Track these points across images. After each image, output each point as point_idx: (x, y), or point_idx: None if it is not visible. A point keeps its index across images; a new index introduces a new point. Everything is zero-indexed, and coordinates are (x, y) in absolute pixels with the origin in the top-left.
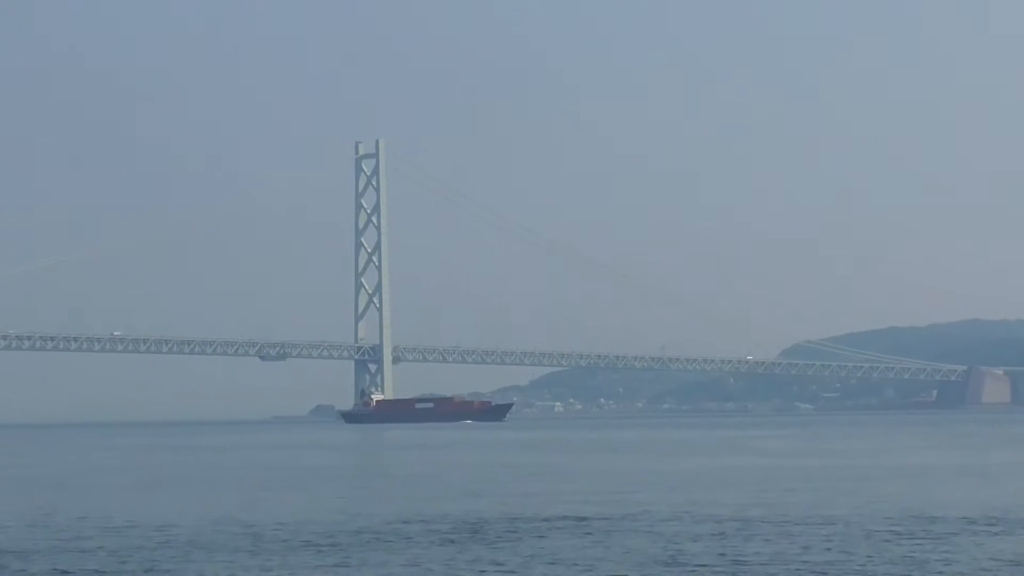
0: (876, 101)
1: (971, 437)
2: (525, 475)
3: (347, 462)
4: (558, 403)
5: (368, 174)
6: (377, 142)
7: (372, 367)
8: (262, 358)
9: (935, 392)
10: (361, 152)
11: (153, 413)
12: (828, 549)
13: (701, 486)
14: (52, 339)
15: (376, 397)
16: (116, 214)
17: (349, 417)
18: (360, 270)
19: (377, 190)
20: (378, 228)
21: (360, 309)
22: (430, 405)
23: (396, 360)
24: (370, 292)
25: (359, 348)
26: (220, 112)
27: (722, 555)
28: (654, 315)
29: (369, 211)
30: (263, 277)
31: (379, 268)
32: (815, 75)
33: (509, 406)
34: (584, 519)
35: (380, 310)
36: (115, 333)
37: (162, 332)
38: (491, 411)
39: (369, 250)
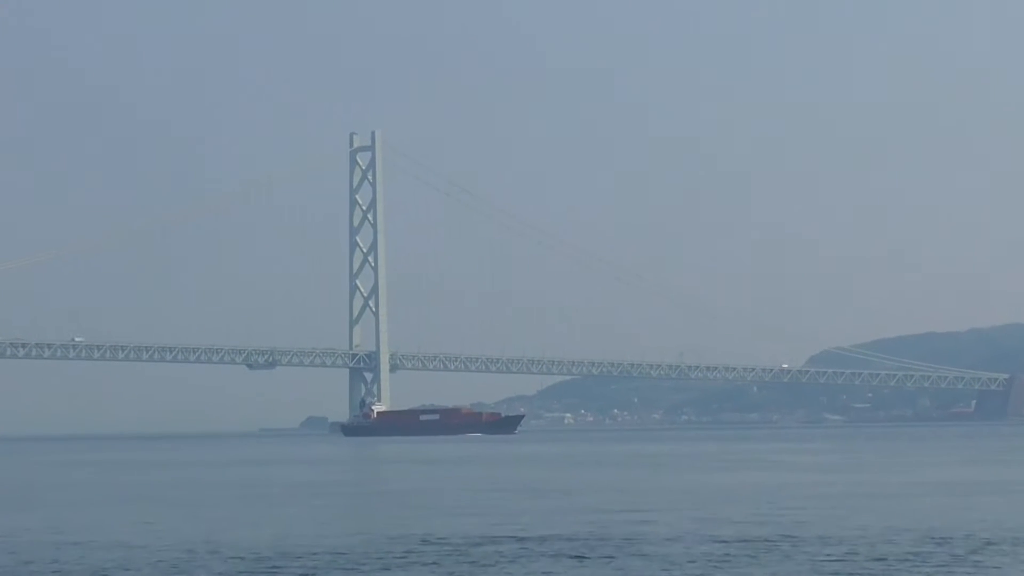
0: (903, 102)
1: (1014, 452)
2: (534, 493)
3: (334, 479)
4: (568, 414)
5: (364, 168)
6: (373, 134)
7: (368, 376)
8: (249, 366)
9: (974, 402)
10: (356, 144)
11: (130, 426)
12: (836, 574)
13: (712, 503)
14: (15, 346)
15: (377, 408)
16: (85, 211)
17: (348, 430)
18: (355, 271)
19: (373, 185)
20: (374, 226)
21: (355, 313)
22: (435, 417)
23: (394, 368)
24: (366, 295)
25: (354, 355)
26: (200, 99)
27: None
28: (671, 319)
29: (364, 208)
30: (250, 278)
31: (375, 269)
32: (837, 80)
33: (520, 418)
34: (588, 540)
35: (376, 314)
36: (76, 339)
37: (141, 338)
38: (501, 423)
39: (365, 250)
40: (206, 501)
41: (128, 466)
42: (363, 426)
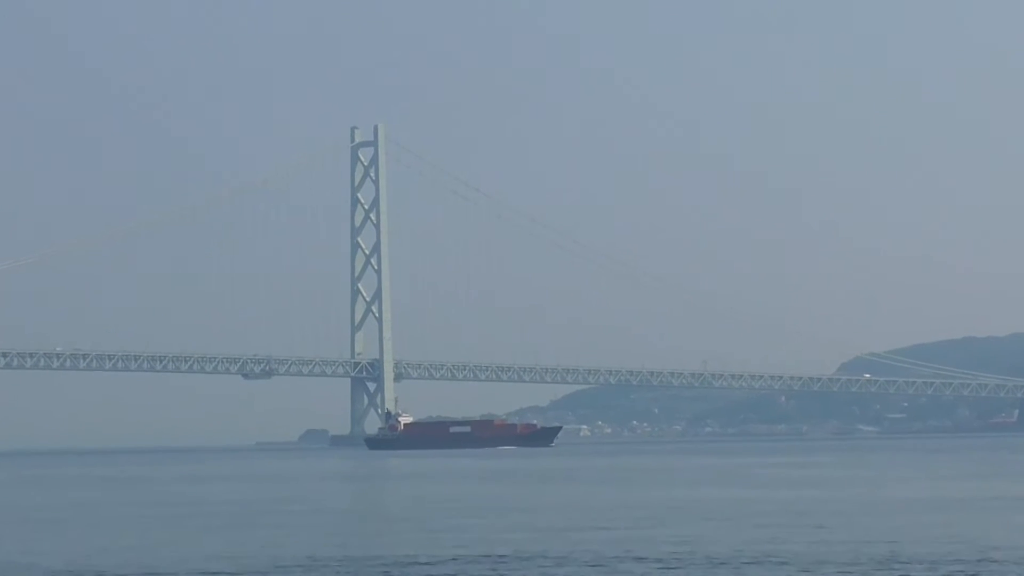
0: (941, 101)
1: None
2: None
3: (318, 496)
4: (584, 426)
5: (366, 164)
6: (376, 128)
7: (371, 385)
8: (245, 376)
9: (1017, 412)
10: (358, 139)
11: (117, 440)
12: None
13: (727, 521)
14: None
15: (404, 420)
16: (69, 211)
17: (373, 443)
18: (357, 274)
19: (376, 183)
20: (377, 226)
21: (357, 319)
22: (467, 429)
23: (398, 377)
24: (368, 300)
25: (356, 364)
26: (190, 93)
27: None
28: (694, 325)
29: (367, 207)
30: (245, 283)
31: (378, 272)
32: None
33: (557, 430)
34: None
35: (380, 320)
36: (57, 349)
37: (129, 347)
38: (537, 435)
39: (367, 252)
40: (157, 520)
41: (89, 483)
42: (389, 439)
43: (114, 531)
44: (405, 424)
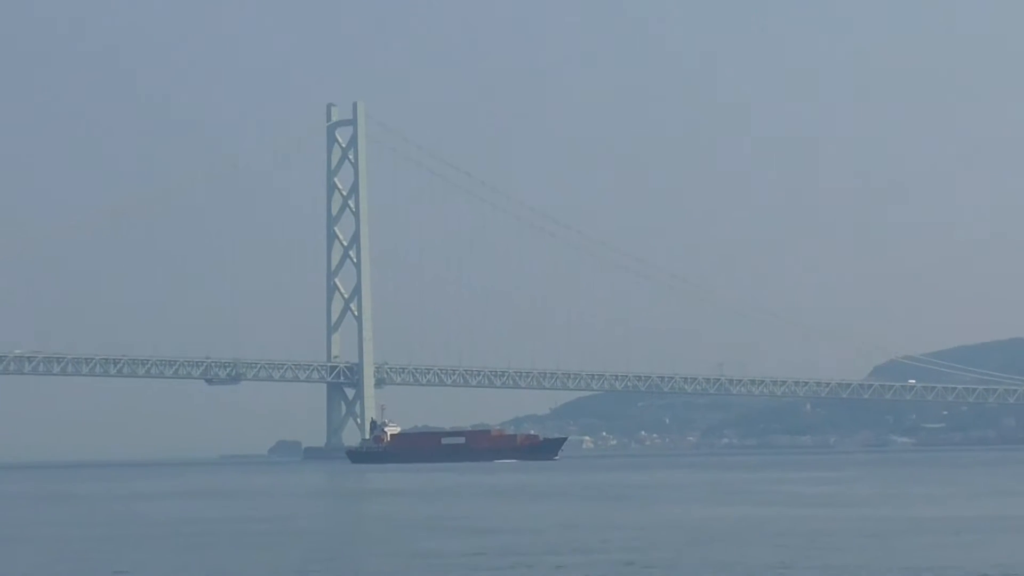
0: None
1: None
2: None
3: (285, 515)
4: (587, 438)
5: (343, 145)
6: (355, 105)
7: (349, 392)
8: (208, 381)
9: None
10: (335, 118)
11: (62, 453)
12: None
13: (728, 543)
14: None
15: (391, 430)
16: (13, 203)
17: (356, 456)
18: (333, 268)
19: (355, 166)
20: (356, 215)
21: (334, 318)
22: (461, 440)
23: (380, 383)
24: (346, 296)
25: (332, 368)
26: (152, 66)
27: None
28: (709, 324)
29: (345, 193)
30: (209, 277)
31: (357, 265)
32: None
33: (561, 441)
34: None
35: (359, 319)
36: (16, 352)
37: (80, 349)
38: (539, 447)
39: (345, 243)
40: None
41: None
42: (374, 451)
43: (36, 557)
44: (392, 435)
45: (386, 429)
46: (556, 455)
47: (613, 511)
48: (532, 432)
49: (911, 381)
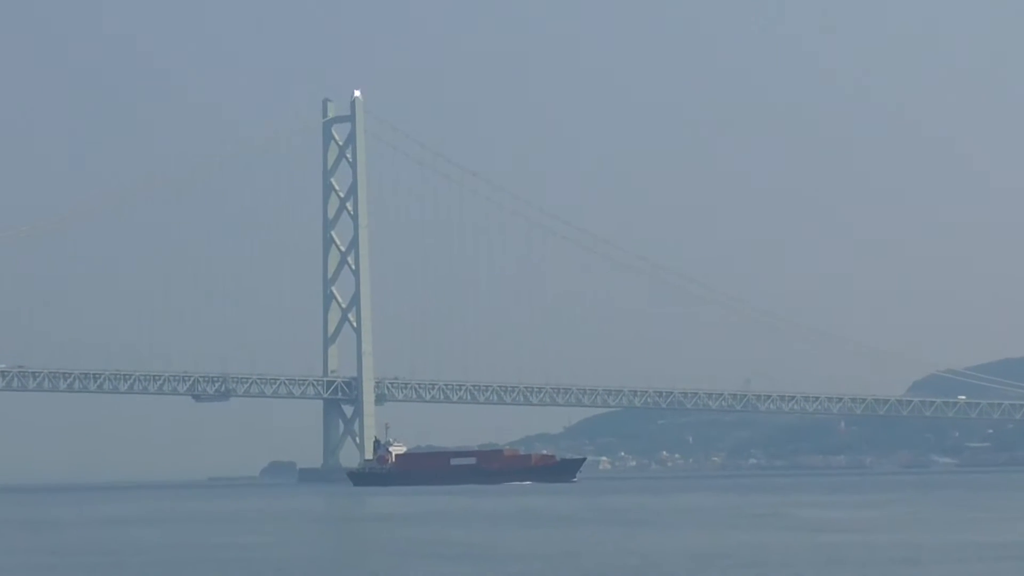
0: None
1: None
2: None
3: (274, 543)
4: (604, 457)
5: (341, 143)
6: (353, 100)
7: (347, 409)
8: (196, 398)
9: None
10: (332, 114)
11: (40, 475)
12: None
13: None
14: None
15: (396, 450)
16: None
17: (358, 478)
18: (331, 276)
19: (353, 165)
20: (354, 218)
21: (331, 329)
22: (471, 461)
23: (380, 399)
24: (344, 306)
25: (330, 383)
26: (140, 60)
27: None
28: (736, 336)
29: (342, 195)
30: (198, 286)
31: (356, 273)
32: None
33: (580, 461)
34: None
35: (358, 331)
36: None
37: (58, 363)
38: (555, 468)
39: (343, 248)
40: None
41: None
42: (378, 473)
43: None
44: (397, 455)
45: (391, 449)
46: (575, 477)
47: (630, 537)
48: (547, 452)
49: (961, 397)
